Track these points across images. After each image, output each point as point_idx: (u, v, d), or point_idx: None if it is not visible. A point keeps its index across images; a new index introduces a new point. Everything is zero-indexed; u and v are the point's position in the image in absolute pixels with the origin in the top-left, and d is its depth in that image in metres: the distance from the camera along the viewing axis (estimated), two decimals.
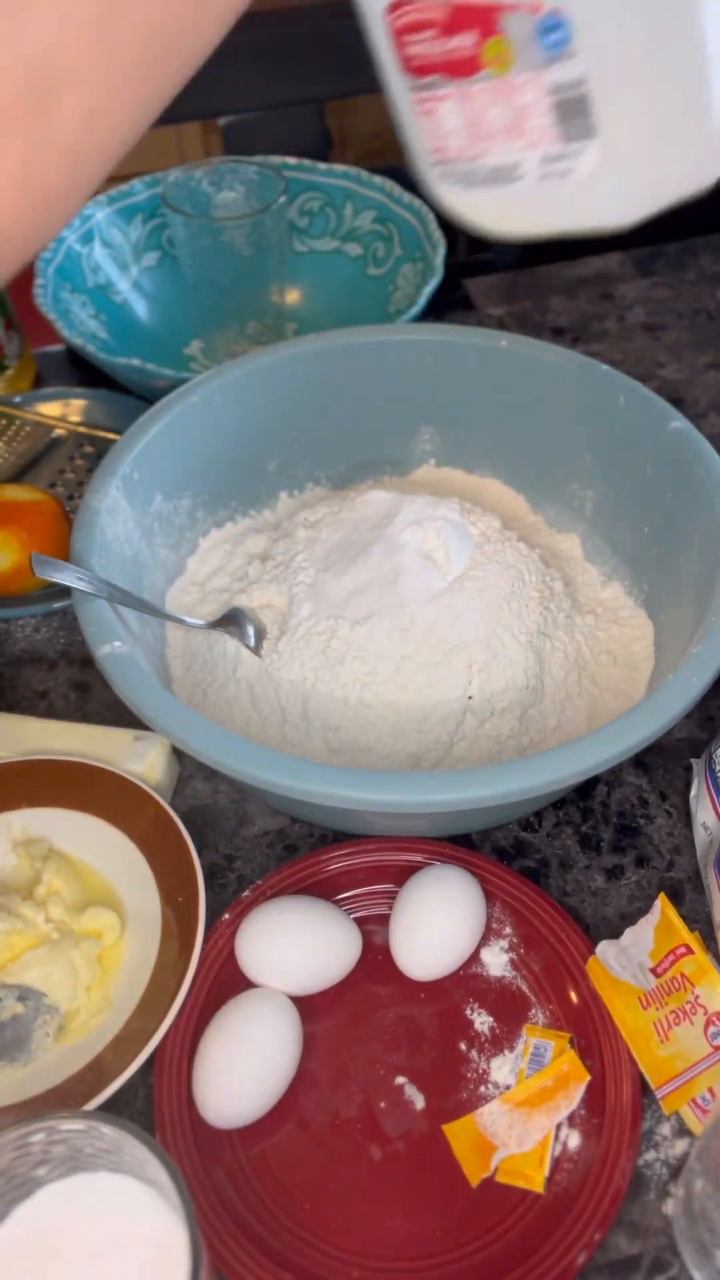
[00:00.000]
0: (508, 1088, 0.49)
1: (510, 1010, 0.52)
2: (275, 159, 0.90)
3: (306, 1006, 0.51)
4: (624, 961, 0.50)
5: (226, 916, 0.53)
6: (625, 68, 0.39)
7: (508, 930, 0.54)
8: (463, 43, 0.40)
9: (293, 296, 0.90)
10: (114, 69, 0.35)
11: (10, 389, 0.84)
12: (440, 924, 0.51)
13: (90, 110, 0.35)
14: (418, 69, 0.42)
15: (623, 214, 0.43)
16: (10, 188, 0.34)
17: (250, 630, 0.60)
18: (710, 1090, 0.46)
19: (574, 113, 0.40)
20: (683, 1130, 0.49)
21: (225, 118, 1.31)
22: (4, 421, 0.81)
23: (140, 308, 0.88)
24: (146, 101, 0.37)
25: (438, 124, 0.43)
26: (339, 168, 0.90)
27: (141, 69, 0.36)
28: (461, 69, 0.41)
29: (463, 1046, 0.51)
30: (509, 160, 0.43)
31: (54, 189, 0.36)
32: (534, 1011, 0.52)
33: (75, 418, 0.82)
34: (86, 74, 0.34)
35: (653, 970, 0.49)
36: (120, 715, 0.59)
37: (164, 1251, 0.36)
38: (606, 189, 0.42)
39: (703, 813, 0.56)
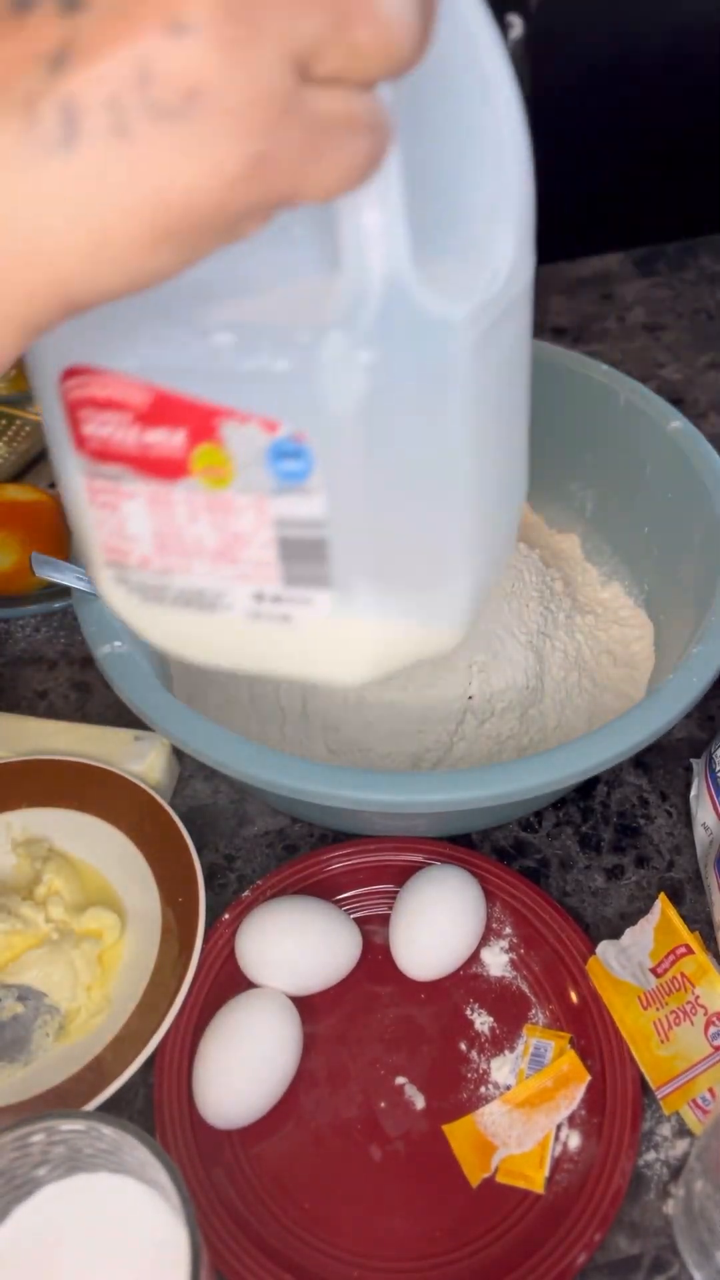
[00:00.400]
0: (508, 1088, 0.49)
1: (510, 1010, 0.52)
2: None
3: (306, 1006, 0.51)
4: (624, 961, 0.50)
5: (226, 916, 0.53)
6: (375, 523, 0.31)
7: (508, 930, 0.54)
8: (165, 440, 0.30)
9: None
10: None
11: (12, 389, 0.84)
12: (440, 924, 0.51)
13: None
14: (97, 454, 0.32)
15: (349, 673, 0.35)
16: None
17: None
18: (710, 1090, 0.46)
19: (305, 556, 0.32)
20: (683, 1130, 0.49)
21: None
22: (4, 421, 0.81)
23: None
24: None
25: (118, 522, 0.33)
26: None
27: None
28: (159, 470, 0.31)
29: (463, 1046, 0.51)
30: (211, 586, 0.33)
31: None
32: (534, 1011, 0.52)
33: None
34: None
35: (653, 970, 0.49)
36: (120, 715, 0.59)
37: (164, 1251, 0.36)
38: (333, 644, 0.34)
39: (703, 813, 0.56)
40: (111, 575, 0.35)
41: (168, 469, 0.31)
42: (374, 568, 0.32)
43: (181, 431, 0.30)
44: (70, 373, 0.31)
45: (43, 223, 0.22)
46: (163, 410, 0.30)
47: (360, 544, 0.32)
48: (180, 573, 0.33)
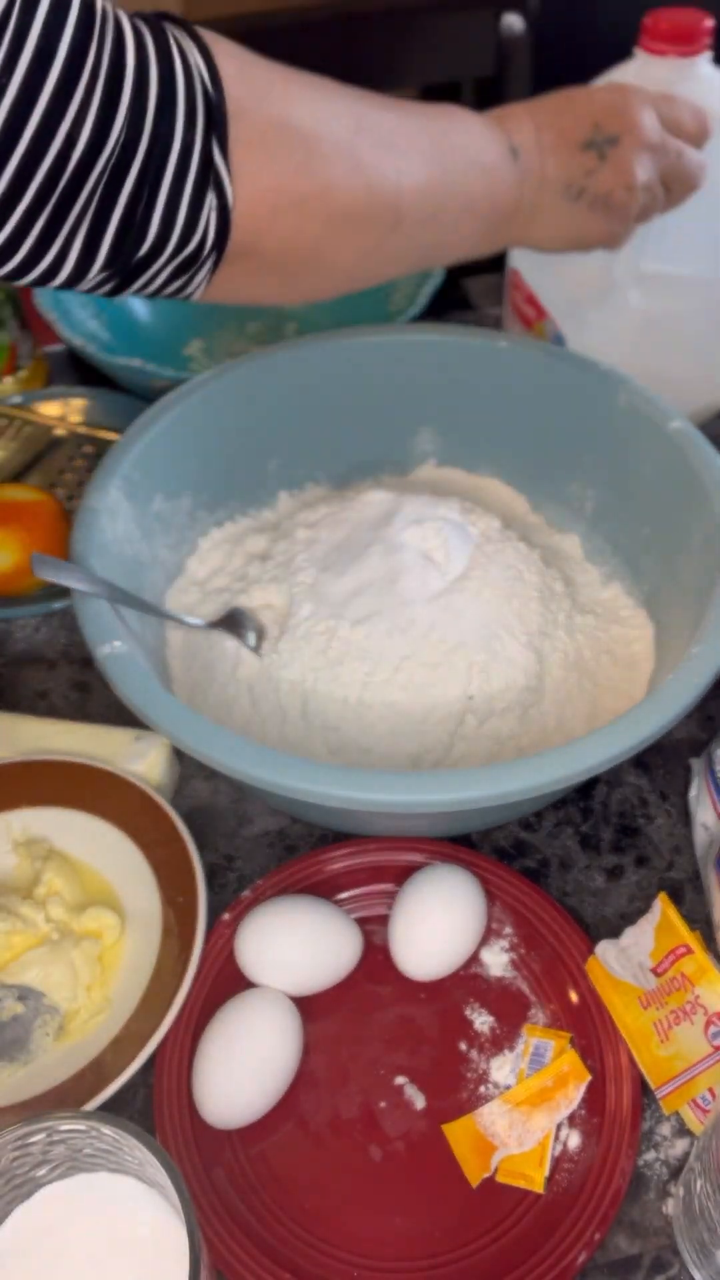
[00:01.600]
0: (508, 1088, 0.49)
1: (510, 1010, 0.52)
2: None
3: (306, 1006, 0.51)
4: (624, 961, 0.50)
5: (226, 916, 0.53)
6: None
7: (508, 930, 0.54)
8: None
9: None
10: (433, 219, 0.52)
11: (23, 389, 0.84)
12: (440, 924, 0.51)
13: (411, 240, 0.51)
14: None
15: None
16: (352, 265, 0.51)
17: (250, 630, 0.60)
18: (710, 1090, 0.46)
19: None
20: (683, 1130, 0.49)
21: None
22: (4, 421, 0.81)
23: (140, 308, 0.88)
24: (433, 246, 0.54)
25: None
26: None
27: (456, 219, 0.53)
28: None
29: (463, 1046, 0.51)
30: None
31: (362, 283, 0.53)
32: (534, 1011, 0.52)
33: (75, 418, 0.82)
34: (420, 216, 0.50)
35: (653, 970, 0.49)
36: (120, 715, 0.59)
37: (164, 1251, 0.36)
38: None
39: (703, 813, 0.56)
40: None
41: None
42: None
43: None
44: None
45: (536, 233, 0.58)
46: None
47: None
48: None
